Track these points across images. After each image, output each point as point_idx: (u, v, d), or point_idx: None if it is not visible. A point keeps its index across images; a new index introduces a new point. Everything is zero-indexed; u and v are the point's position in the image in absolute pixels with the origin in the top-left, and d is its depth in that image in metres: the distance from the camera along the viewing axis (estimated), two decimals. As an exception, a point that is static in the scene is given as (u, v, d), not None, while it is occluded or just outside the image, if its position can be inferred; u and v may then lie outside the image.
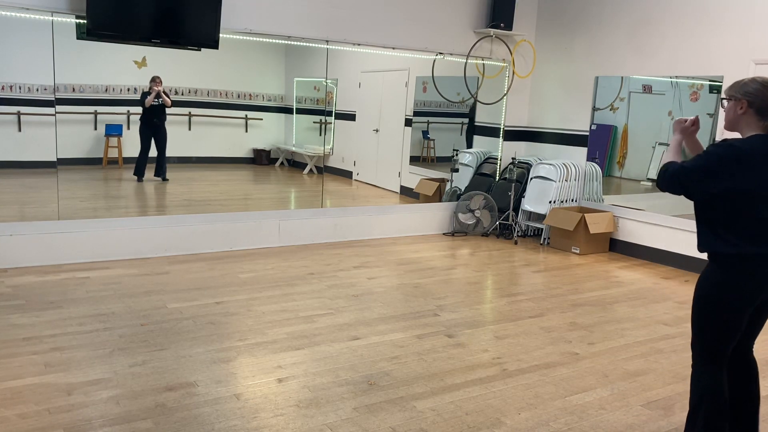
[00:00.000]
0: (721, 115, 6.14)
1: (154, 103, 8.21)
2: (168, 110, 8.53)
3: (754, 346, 2.76)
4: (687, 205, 2.64)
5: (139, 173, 8.44)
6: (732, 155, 2.41)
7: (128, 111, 8.60)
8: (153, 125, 8.27)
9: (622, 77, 7.26)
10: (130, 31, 5.73)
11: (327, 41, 6.67)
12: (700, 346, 2.64)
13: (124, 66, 8.53)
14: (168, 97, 8.29)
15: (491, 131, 8.19)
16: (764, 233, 2.45)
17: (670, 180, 2.51)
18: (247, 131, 9.71)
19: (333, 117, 9.82)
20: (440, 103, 8.53)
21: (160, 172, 8.47)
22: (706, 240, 2.54)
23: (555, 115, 7.85)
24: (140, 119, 8.33)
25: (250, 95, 9.62)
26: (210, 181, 9.36)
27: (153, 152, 8.40)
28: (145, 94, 8.25)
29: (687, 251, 6.39)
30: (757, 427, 2.76)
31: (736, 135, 2.58)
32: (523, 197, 7.68)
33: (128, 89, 8.48)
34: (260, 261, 6.01)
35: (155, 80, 8.21)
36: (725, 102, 2.57)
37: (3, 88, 7.87)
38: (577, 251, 6.99)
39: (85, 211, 7.03)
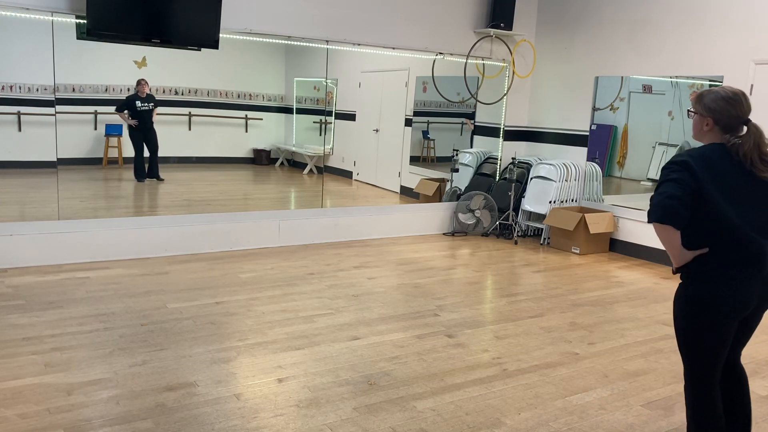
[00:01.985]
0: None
1: (144, 108, 8.21)
2: (168, 110, 8.53)
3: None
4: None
5: (139, 175, 8.45)
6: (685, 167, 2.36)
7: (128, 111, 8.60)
8: (142, 128, 8.27)
9: (622, 77, 7.26)
10: (130, 31, 5.73)
11: (327, 41, 6.66)
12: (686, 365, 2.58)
13: (124, 66, 8.53)
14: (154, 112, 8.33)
15: (491, 131, 8.19)
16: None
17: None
18: (247, 131, 9.71)
19: (333, 117, 9.82)
20: (440, 103, 8.53)
21: (153, 173, 8.46)
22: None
23: (555, 115, 7.85)
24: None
25: (250, 95, 9.62)
26: (210, 181, 9.36)
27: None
28: (130, 98, 8.23)
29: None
30: None
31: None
32: (523, 197, 7.68)
33: (128, 89, 8.48)
34: (260, 261, 6.01)
35: (141, 83, 8.19)
36: (691, 114, 2.51)
37: (3, 88, 7.87)
38: (577, 251, 6.99)
39: (85, 211, 7.03)
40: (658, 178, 2.50)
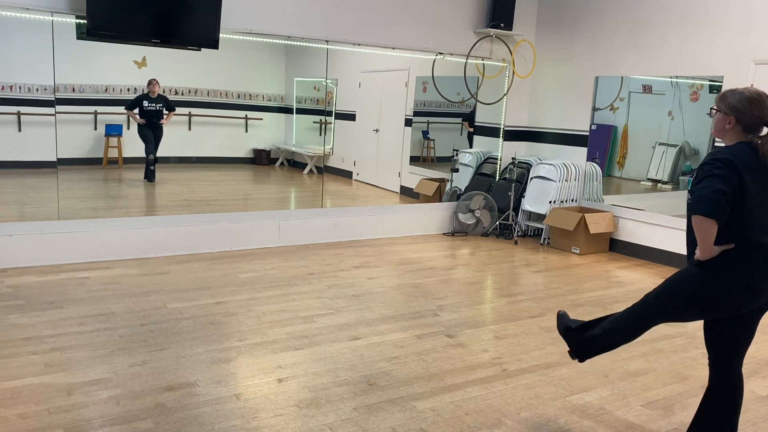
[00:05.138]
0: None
1: (151, 107, 8.22)
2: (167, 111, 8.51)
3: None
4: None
5: (150, 176, 8.42)
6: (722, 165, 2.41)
7: (129, 111, 8.61)
8: (149, 127, 8.27)
9: (622, 77, 7.26)
10: (130, 31, 5.73)
11: (327, 41, 6.67)
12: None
13: (124, 66, 8.53)
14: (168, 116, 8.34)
15: (491, 131, 8.19)
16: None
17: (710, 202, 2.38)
18: (247, 131, 9.71)
19: (333, 117, 9.82)
20: (440, 103, 8.53)
21: (146, 174, 8.44)
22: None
23: (555, 115, 7.85)
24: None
25: (250, 95, 9.62)
26: (210, 181, 9.36)
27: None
28: (140, 96, 8.24)
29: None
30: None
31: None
32: (523, 197, 7.68)
33: (128, 89, 8.49)
34: (260, 261, 6.01)
35: (152, 83, 8.20)
36: (713, 112, 2.57)
37: (3, 88, 7.87)
38: (577, 251, 6.99)
39: (85, 211, 7.03)
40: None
